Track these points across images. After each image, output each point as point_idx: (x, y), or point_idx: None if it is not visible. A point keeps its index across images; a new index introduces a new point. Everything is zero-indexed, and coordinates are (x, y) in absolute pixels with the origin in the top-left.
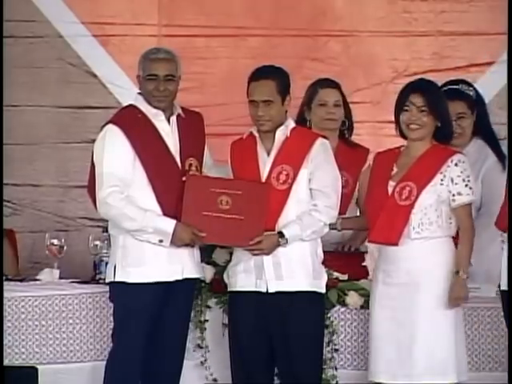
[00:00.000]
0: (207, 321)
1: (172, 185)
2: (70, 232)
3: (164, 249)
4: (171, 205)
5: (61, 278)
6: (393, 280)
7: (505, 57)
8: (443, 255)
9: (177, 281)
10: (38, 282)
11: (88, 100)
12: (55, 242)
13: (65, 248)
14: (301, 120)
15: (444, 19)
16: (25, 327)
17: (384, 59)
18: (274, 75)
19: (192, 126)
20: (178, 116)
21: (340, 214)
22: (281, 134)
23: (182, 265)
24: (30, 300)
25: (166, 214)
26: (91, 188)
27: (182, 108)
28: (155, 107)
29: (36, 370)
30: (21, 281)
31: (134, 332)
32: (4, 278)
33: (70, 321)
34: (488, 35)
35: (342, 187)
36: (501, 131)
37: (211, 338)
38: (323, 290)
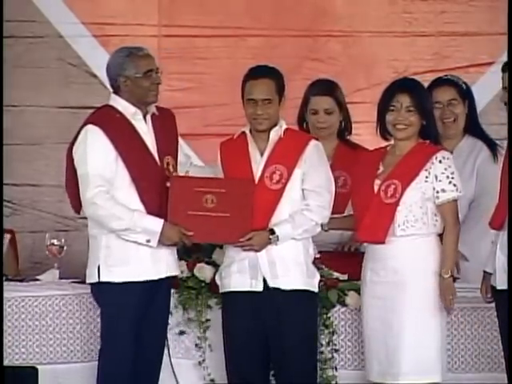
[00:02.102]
0: (209, 320)
1: (154, 183)
2: (69, 232)
3: (147, 248)
4: (154, 203)
5: (61, 278)
6: (380, 278)
7: (505, 57)
8: (429, 253)
9: (160, 279)
10: (38, 282)
11: (88, 100)
12: (55, 242)
13: (65, 248)
14: (301, 121)
15: (444, 19)
16: (25, 327)
17: (384, 59)
18: (272, 75)
19: (165, 124)
20: (153, 115)
21: (339, 213)
22: (274, 135)
23: (165, 263)
24: (30, 300)
25: (149, 212)
26: (67, 186)
27: (155, 106)
28: (134, 105)
29: (36, 370)
30: (21, 281)
31: (124, 331)
32: (4, 278)
33: (71, 321)
34: (488, 35)
35: (341, 187)
36: (501, 131)
37: (212, 337)
38: (316, 289)
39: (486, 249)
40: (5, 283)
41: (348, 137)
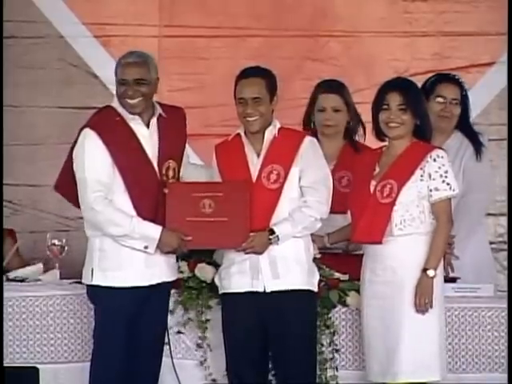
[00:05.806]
0: (209, 320)
1: (149, 191)
2: (70, 232)
3: (142, 253)
4: (147, 211)
5: (62, 278)
6: (378, 278)
7: (505, 57)
8: (427, 252)
9: (154, 284)
10: (38, 283)
11: (89, 101)
12: (56, 242)
13: (66, 248)
14: (308, 122)
15: (445, 20)
16: (26, 327)
17: (385, 59)
18: (262, 74)
19: (173, 124)
20: (159, 116)
21: (343, 213)
22: (269, 134)
23: (159, 268)
24: (31, 300)
25: (142, 218)
26: (62, 185)
27: (164, 105)
28: (129, 112)
29: (37, 370)
30: (22, 281)
31: (115, 334)
32: (4, 278)
33: (71, 320)
34: (489, 36)
35: (344, 187)
36: (501, 132)
37: (213, 337)
38: (316, 289)
39: (474, 245)
40: (5, 283)
41: (357, 138)
